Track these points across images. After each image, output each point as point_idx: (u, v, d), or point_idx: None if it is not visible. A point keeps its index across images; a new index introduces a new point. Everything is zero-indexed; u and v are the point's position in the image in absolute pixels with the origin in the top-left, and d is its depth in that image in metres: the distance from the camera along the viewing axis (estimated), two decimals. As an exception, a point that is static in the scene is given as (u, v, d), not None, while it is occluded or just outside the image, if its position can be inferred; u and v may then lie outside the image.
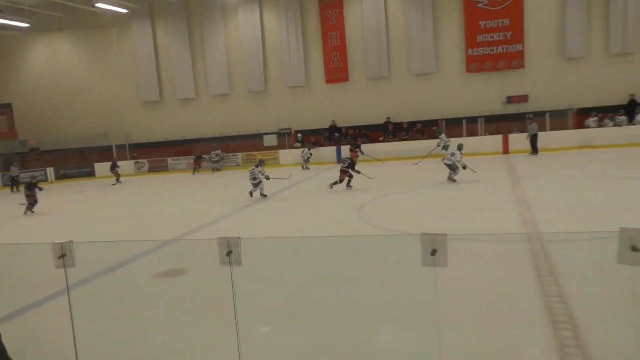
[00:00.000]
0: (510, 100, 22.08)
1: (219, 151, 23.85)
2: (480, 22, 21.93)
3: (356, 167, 14.56)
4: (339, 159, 20.43)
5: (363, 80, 24.00)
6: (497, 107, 22.26)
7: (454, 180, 14.09)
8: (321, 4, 23.92)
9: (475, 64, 22.28)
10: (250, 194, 13.89)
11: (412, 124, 22.69)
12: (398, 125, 22.91)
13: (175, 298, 6.57)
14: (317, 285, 6.50)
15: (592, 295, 5.48)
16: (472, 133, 21.79)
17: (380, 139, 22.75)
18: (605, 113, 20.35)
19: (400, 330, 5.20)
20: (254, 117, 25.37)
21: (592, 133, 19.88)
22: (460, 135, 21.67)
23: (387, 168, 19.05)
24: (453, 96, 22.70)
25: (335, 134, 23.59)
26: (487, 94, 22.35)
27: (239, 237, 3.74)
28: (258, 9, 24.69)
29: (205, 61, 25.90)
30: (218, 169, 23.70)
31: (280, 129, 24.77)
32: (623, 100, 20.61)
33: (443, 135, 18.77)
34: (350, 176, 14.32)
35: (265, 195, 13.88)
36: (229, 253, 3.64)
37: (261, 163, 14.17)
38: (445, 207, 11.35)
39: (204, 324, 5.61)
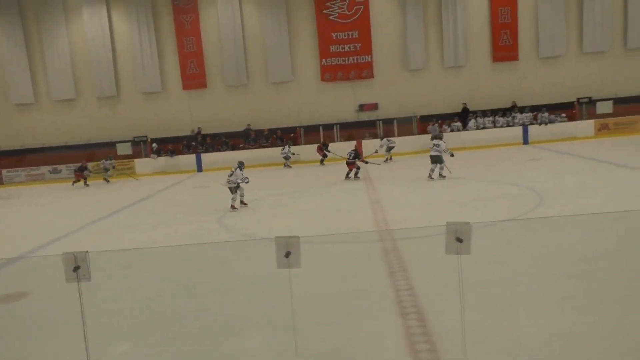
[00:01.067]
0: (362, 108, 23.50)
1: (110, 160, 21.45)
2: (332, 34, 23.04)
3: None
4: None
5: (222, 87, 23.79)
6: (350, 114, 23.54)
7: (444, 177, 13.78)
8: (175, 9, 23.24)
9: (329, 73, 23.34)
10: (232, 206, 12.11)
11: (272, 131, 23.03)
12: (259, 132, 23.09)
13: (16, 326, 5.92)
14: (177, 297, 6.32)
15: (434, 284, 6.06)
16: (328, 139, 22.74)
17: (241, 145, 22.73)
18: (443, 120, 22.61)
19: (259, 333, 5.28)
20: (106, 125, 23.77)
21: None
22: (318, 142, 22.54)
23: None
24: (310, 104, 23.54)
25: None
26: (341, 102, 23.54)
27: (87, 251, 3.52)
28: (105, 10, 23.21)
29: (45, 63, 23.66)
30: (107, 180, 21.19)
31: (135, 137, 23.52)
32: (457, 108, 23.10)
33: (385, 139, 19.99)
34: (358, 167, 15.57)
35: (246, 204, 12.37)
36: (76, 269, 3.39)
37: (241, 165, 12.53)
38: (302, 211, 11.73)
39: (50, 350, 5.14)
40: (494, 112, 22.70)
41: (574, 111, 22.61)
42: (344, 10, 22.91)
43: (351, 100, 23.61)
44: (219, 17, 23.21)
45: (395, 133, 22.66)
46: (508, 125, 22.22)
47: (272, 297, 5.77)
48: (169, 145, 22.85)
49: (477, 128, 22.30)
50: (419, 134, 22.69)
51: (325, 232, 8.63)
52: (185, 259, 7.65)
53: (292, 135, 22.88)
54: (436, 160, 13.81)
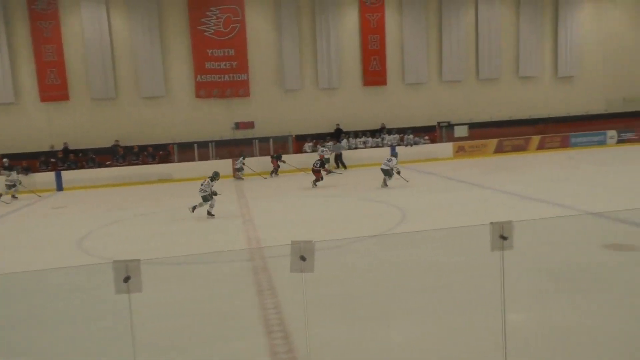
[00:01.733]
0: (238, 126, 23.32)
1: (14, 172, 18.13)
2: (208, 50, 22.69)
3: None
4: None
5: (87, 100, 22.20)
6: (226, 132, 23.24)
7: (387, 186, 15.35)
8: (32, 14, 21.32)
9: (204, 90, 22.90)
10: (193, 209, 12.09)
11: (143, 147, 21.92)
12: (128, 149, 21.84)
13: None
14: (16, 330, 5.65)
15: (301, 302, 6.06)
16: (203, 157, 22.23)
17: (108, 163, 21.30)
18: (317, 140, 23.23)
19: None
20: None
21: (308, 157, 22.33)
22: (192, 159, 21.95)
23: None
24: (184, 120, 22.85)
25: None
26: (216, 119, 23.17)
27: None
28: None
29: None
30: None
31: (-18, 152, 21.00)
32: (331, 128, 23.90)
33: (325, 148, 20.84)
34: (321, 177, 16.62)
35: (213, 215, 12.00)
36: None
37: (216, 176, 12.32)
38: (171, 232, 11.22)
39: None
40: (364, 133, 23.82)
41: (435, 134, 24.51)
42: (220, 28, 22.71)
43: (227, 118, 23.34)
44: (82, 26, 21.73)
45: (272, 151, 22.78)
46: (377, 146, 23.42)
47: (111, 325, 5.40)
48: (24, 162, 20.69)
49: (349, 148, 23.19)
50: (295, 152, 23.04)
51: (191, 252, 8.32)
52: (33, 286, 6.91)
53: (161, 153, 21.93)
54: (385, 173, 15.60)
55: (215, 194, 12.05)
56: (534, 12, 25.77)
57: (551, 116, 25.92)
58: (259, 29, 23.43)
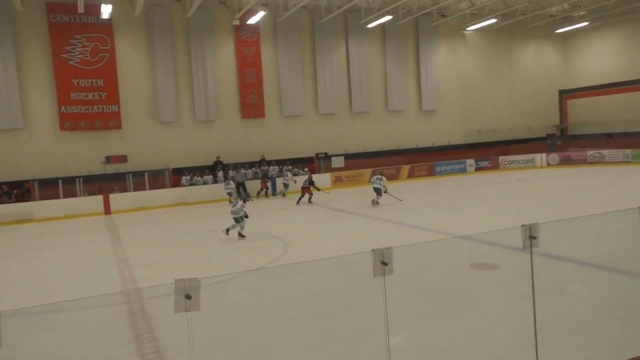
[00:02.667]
0: (109, 160, 21.93)
1: None
2: (73, 80, 21.19)
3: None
4: None
5: None
6: (96, 166, 21.72)
7: (378, 204, 16.59)
8: None
9: (69, 121, 21.27)
10: (227, 231, 12.56)
11: (-4, 185, 19.68)
12: (-23, 187, 19.44)
13: None
14: None
15: (182, 342, 5.74)
16: (70, 194, 20.49)
17: (-47, 204, 18.77)
18: (195, 173, 22.61)
19: None
20: None
21: (186, 191, 21.69)
22: (57, 197, 20.13)
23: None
24: (46, 155, 20.95)
25: None
26: (84, 153, 21.58)
27: None
28: None
29: None
30: None
31: None
32: (211, 161, 23.44)
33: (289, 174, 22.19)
34: (311, 193, 17.94)
35: (244, 236, 12.45)
36: None
37: (248, 197, 13.85)
38: (36, 277, 10.12)
39: None
40: (244, 166, 23.67)
41: (313, 165, 25.15)
42: (87, 57, 21.38)
43: (96, 152, 21.85)
44: None
45: (147, 186, 21.73)
46: (258, 178, 23.39)
47: None
48: None
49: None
50: (172, 186, 22.20)
51: (59, 299, 7.54)
52: None
53: (15, 191, 19.84)
54: (377, 191, 16.59)
55: (247, 217, 12.63)
56: (398, 52, 27.88)
57: (418, 147, 27.97)
58: (131, 59, 22.49)
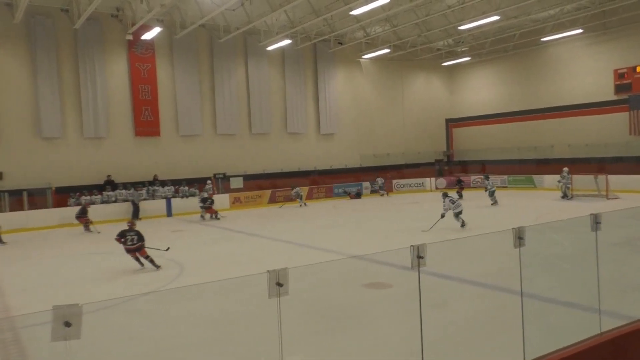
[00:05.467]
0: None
1: None
2: (-60, 88, 19.08)
3: None
4: None
5: None
6: (-35, 184, 19.58)
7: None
8: None
9: None
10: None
11: None
12: None
13: None
14: None
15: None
16: None
17: None
18: (82, 192, 21.14)
19: None
20: None
21: (72, 211, 20.19)
22: None
23: None
24: None
25: None
26: (-49, 169, 19.39)
27: None
28: None
29: None
30: None
31: None
32: (101, 179, 22.08)
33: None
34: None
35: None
36: None
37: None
38: None
39: None
40: (136, 185, 22.56)
41: (212, 186, 24.62)
42: (-43, 63, 19.39)
43: (-34, 168, 19.74)
44: None
45: (25, 206, 19.97)
46: (151, 198, 22.44)
47: None
48: None
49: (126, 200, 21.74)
50: (55, 206, 20.58)
51: None
52: None
53: None
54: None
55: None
56: (298, 75, 28.45)
57: (317, 169, 28.53)
58: (9, 70, 20.70)
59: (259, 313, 6.54)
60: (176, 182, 23.50)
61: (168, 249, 11.83)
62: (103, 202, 21.30)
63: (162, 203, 22.33)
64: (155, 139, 24.00)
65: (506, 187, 27.43)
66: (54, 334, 3.30)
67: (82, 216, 18.46)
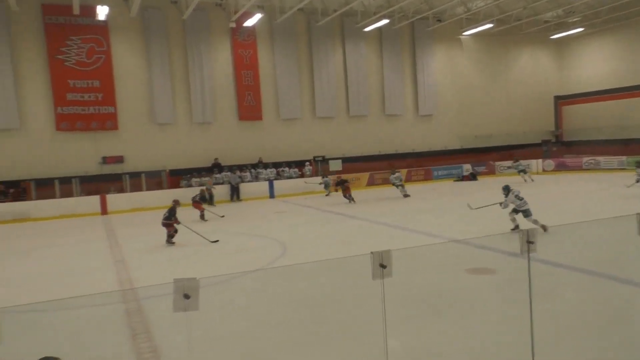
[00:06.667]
0: (105, 160, 21.91)
1: None
2: (69, 81, 21.17)
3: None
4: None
5: None
6: (93, 167, 21.70)
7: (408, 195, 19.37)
8: None
9: (66, 122, 21.24)
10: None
11: (-7, 184, 19.63)
12: (-27, 187, 19.39)
13: None
14: None
15: (179, 342, 5.76)
16: (67, 194, 20.48)
17: (-52, 203, 18.70)
18: (193, 174, 22.59)
19: None
20: None
21: (184, 192, 21.57)
22: (54, 197, 20.11)
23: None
24: (43, 155, 20.91)
25: None
26: (81, 153, 21.56)
27: None
28: None
29: None
30: None
31: None
32: (208, 162, 23.43)
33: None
34: (202, 209, 16.70)
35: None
36: None
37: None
38: (30, 275, 10.09)
39: None
40: (241, 168, 23.67)
41: (311, 168, 25.15)
42: (83, 58, 21.36)
43: (93, 152, 21.83)
44: None
45: (144, 187, 21.72)
46: (255, 180, 23.43)
47: None
48: None
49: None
50: (169, 188, 22.17)
51: (55, 297, 7.52)
52: None
53: (12, 190, 19.76)
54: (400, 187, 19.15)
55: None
56: (395, 56, 27.98)
57: (415, 151, 28.05)
58: (127, 60, 22.48)
59: (362, 294, 6.64)
60: (277, 165, 24.31)
61: (217, 241, 12.15)
62: (215, 183, 22.52)
63: (265, 185, 23.19)
64: (257, 123, 24.92)
65: (624, 169, 25.18)
66: (175, 305, 3.57)
67: (198, 202, 17.23)
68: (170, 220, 12.45)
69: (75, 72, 21.27)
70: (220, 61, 24.19)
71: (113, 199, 20.45)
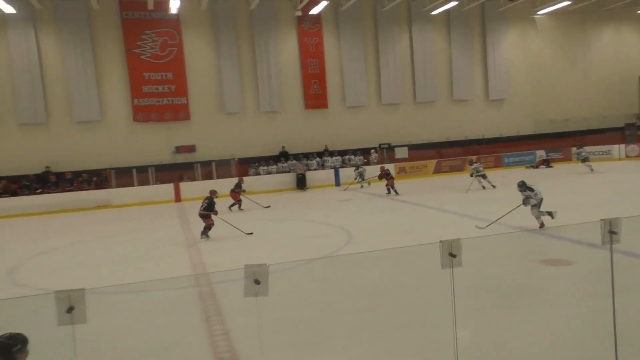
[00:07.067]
0: (178, 150, 22.83)
1: None
2: (144, 73, 22.18)
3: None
4: None
5: (14, 124, 21.06)
6: (166, 156, 22.68)
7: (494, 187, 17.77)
8: (-44, 35, 20.16)
9: (142, 113, 22.31)
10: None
11: (77, 173, 20.97)
12: (60, 175, 20.81)
13: None
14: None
15: (248, 326, 5.93)
16: (143, 182, 21.57)
17: (38, 191, 20.19)
18: (260, 163, 23.09)
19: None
20: None
21: (252, 180, 22.09)
22: (131, 184, 21.24)
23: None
24: (122, 145, 22.11)
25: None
26: (156, 143, 22.59)
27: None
28: None
29: None
30: None
31: None
32: (276, 151, 23.84)
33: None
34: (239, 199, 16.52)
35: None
36: None
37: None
38: (112, 259, 10.73)
39: None
40: (307, 156, 23.88)
41: (377, 155, 24.97)
42: (157, 51, 22.30)
43: (167, 142, 22.82)
44: (10, 49, 20.72)
45: (214, 175, 22.47)
46: (321, 168, 23.59)
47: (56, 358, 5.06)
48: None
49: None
50: (238, 175, 22.73)
51: (133, 280, 7.96)
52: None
53: (95, 179, 21.02)
54: (483, 176, 17.69)
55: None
56: (464, 39, 27.08)
57: (485, 137, 27.13)
58: (197, 52, 23.20)
59: (428, 283, 6.55)
60: (343, 153, 24.33)
61: (251, 233, 11.98)
62: (278, 172, 22.95)
63: (331, 173, 23.30)
64: (323, 111, 25.02)
65: None
66: (246, 290, 3.67)
67: (237, 190, 16.86)
68: (209, 211, 11.98)
69: (150, 65, 22.25)
70: (286, 50, 24.43)
71: (186, 186, 21.29)
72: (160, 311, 6.80)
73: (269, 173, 22.69)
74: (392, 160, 24.95)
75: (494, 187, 17.80)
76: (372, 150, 24.75)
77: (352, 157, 24.10)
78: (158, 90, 22.42)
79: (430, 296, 6.27)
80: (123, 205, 20.11)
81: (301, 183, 22.42)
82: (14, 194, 19.88)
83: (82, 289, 3.06)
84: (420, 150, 25.51)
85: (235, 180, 17.64)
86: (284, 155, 23.70)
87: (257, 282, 3.60)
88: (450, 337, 4.17)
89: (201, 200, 12.46)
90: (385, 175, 19.15)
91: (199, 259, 10.18)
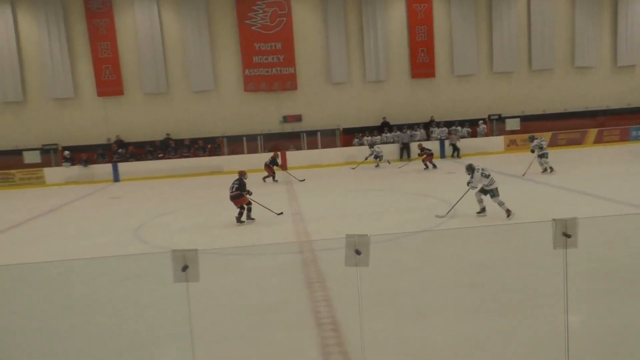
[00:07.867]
0: (286, 119, 23.52)
1: None
2: (255, 44, 22.93)
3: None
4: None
5: (140, 94, 22.93)
6: (274, 125, 23.47)
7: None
8: (88, 13, 22.16)
9: (252, 83, 23.18)
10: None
11: (194, 140, 22.47)
12: (179, 142, 22.43)
13: None
14: (78, 314, 5.91)
15: (350, 295, 6.07)
16: (252, 150, 22.59)
17: (160, 155, 21.96)
18: (364, 133, 23.09)
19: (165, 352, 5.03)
20: (10, 131, 22.15)
21: (356, 151, 22.26)
22: (241, 152, 22.33)
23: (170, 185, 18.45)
24: (232, 114, 23.23)
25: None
26: (264, 112, 23.44)
27: None
28: (10, 13, 21.71)
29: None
30: None
31: (44, 145, 22.08)
32: (378, 121, 23.71)
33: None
34: (273, 172, 17.30)
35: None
36: None
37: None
38: (223, 223, 11.42)
39: None
40: (411, 126, 23.45)
41: (485, 127, 23.90)
42: (267, 22, 22.90)
43: (275, 112, 23.57)
44: (135, 23, 22.41)
45: (319, 145, 22.91)
46: (427, 139, 23.05)
47: (170, 313, 5.56)
48: (83, 154, 21.63)
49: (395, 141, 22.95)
50: (342, 146, 23.02)
51: (242, 244, 8.46)
52: (97, 272, 7.21)
53: (209, 146, 22.35)
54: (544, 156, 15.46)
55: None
56: (591, 1, 24.64)
57: (610, 108, 24.80)
58: (305, 22, 23.47)
59: (538, 264, 6.25)
60: (449, 124, 23.57)
61: (281, 213, 11.50)
62: (382, 142, 22.82)
63: (437, 144, 22.71)
64: (430, 80, 24.31)
65: None
66: (347, 259, 3.75)
67: (271, 165, 17.53)
68: (242, 191, 11.15)
69: (260, 35, 22.95)
70: (394, 18, 23.90)
71: (292, 155, 21.93)
72: (266, 275, 7.18)
73: (374, 144, 22.57)
74: (502, 132, 23.71)
75: (551, 170, 15.56)
76: (481, 122, 23.70)
77: (459, 128, 23.25)
78: (267, 61, 23.11)
79: (540, 277, 5.99)
80: (234, 171, 21.11)
81: (405, 153, 22.13)
82: (139, 159, 21.82)
83: (196, 249, 3.33)
84: (534, 122, 23.94)
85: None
86: (386, 126, 23.48)
87: (357, 252, 3.66)
88: (561, 322, 3.98)
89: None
90: (427, 154, 18.60)
91: (303, 226, 10.53)
